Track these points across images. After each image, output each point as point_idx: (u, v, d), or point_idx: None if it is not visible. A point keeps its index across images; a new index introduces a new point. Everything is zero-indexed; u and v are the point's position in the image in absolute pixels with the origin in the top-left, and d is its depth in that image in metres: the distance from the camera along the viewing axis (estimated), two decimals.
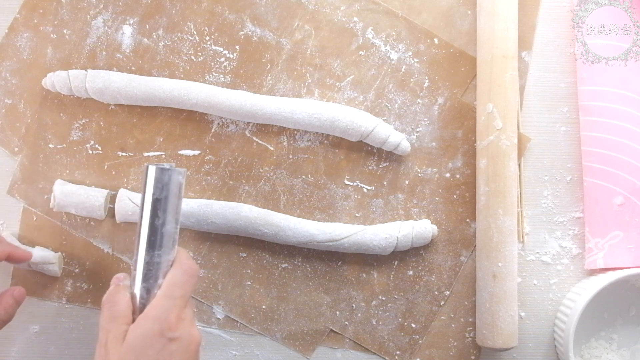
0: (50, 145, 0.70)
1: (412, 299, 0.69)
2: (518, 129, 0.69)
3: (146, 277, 0.51)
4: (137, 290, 0.51)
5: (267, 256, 0.69)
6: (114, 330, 0.48)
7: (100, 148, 0.70)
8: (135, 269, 0.51)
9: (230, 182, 0.70)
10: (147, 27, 0.70)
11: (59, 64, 0.70)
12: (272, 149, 0.70)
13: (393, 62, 0.70)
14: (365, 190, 0.70)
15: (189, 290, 0.51)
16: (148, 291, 0.50)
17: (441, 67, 0.71)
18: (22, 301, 0.62)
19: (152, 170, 0.51)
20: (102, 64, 0.70)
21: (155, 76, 0.70)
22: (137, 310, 0.50)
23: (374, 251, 0.67)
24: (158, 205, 0.51)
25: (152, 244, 0.51)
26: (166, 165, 0.52)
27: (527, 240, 0.70)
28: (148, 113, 0.70)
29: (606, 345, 0.68)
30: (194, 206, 0.67)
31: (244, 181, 0.70)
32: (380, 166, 0.70)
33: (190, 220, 0.67)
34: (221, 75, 0.70)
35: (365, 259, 0.69)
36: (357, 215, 0.70)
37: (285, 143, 0.70)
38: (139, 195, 0.67)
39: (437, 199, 0.70)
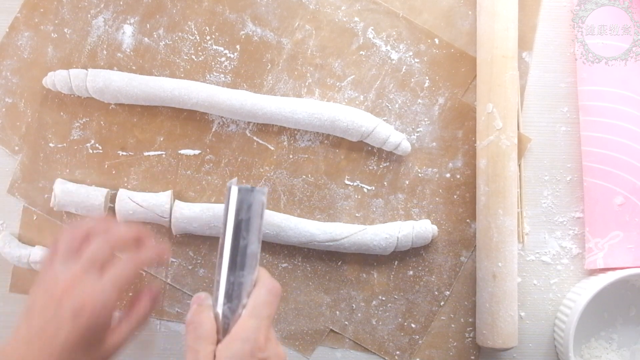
0: (51, 145, 0.70)
1: (412, 299, 0.69)
2: (518, 129, 0.69)
3: (230, 297, 0.51)
4: (220, 309, 0.51)
5: (267, 256, 0.69)
6: (202, 350, 0.48)
7: (100, 147, 0.70)
8: (217, 289, 0.52)
9: None
10: (148, 26, 0.70)
11: (60, 63, 0.70)
12: (272, 148, 0.70)
13: (394, 62, 0.71)
14: (365, 190, 0.70)
15: (274, 310, 0.51)
16: (232, 311, 0.51)
17: (442, 67, 0.71)
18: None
19: (234, 191, 0.52)
20: (102, 63, 0.70)
21: (155, 76, 0.70)
22: (221, 330, 0.50)
23: (374, 251, 0.67)
24: (242, 226, 0.52)
25: (235, 265, 0.51)
26: (248, 186, 0.53)
27: (527, 240, 0.70)
28: (148, 112, 0.70)
29: (606, 345, 0.68)
30: (197, 211, 0.67)
31: (244, 181, 0.70)
32: (381, 166, 0.70)
33: (193, 225, 0.67)
34: (222, 75, 0.70)
35: (365, 259, 0.69)
36: (357, 215, 0.70)
37: (285, 143, 0.70)
38: (139, 194, 0.68)
39: (437, 199, 0.70)
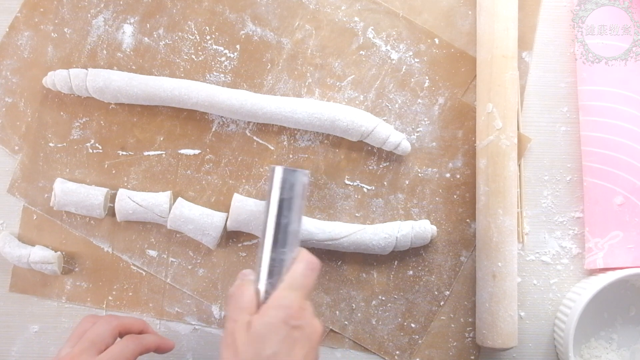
0: (51, 144, 0.70)
1: (412, 299, 0.69)
2: (518, 129, 0.69)
3: (271, 273, 0.53)
4: (262, 285, 0.53)
5: None
6: (240, 320, 0.51)
7: (100, 147, 0.70)
8: (260, 266, 0.54)
9: (231, 182, 0.70)
10: (148, 26, 0.70)
11: (60, 62, 0.70)
12: (272, 148, 0.70)
13: (394, 62, 0.71)
14: (365, 190, 0.70)
15: (311, 283, 0.54)
16: (273, 286, 0.53)
17: (442, 67, 0.71)
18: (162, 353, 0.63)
19: (279, 171, 0.55)
20: (102, 62, 0.70)
21: (155, 75, 0.70)
22: (262, 304, 0.52)
23: (373, 251, 0.67)
24: (284, 205, 0.54)
25: (278, 242, 0.54)
26: (291, 168, 0.55)
27: (527, 240, 0.70)
28: (148, 112, 0.70)
29: (606, 345, 0.68)
30: (196, 214, 0.67)
31: (244, 180, 0.70)
32: (381, 166, 0.70)
33: (188, 226, 0.67)
34: (222, 75, 0.70)
35: (365, 259, 0.69)
36: (357, 215, 0.70)
37: (285, 142, 0.70)
38: (139, 194, 0.68)
39: (437, 199, 0.70)
